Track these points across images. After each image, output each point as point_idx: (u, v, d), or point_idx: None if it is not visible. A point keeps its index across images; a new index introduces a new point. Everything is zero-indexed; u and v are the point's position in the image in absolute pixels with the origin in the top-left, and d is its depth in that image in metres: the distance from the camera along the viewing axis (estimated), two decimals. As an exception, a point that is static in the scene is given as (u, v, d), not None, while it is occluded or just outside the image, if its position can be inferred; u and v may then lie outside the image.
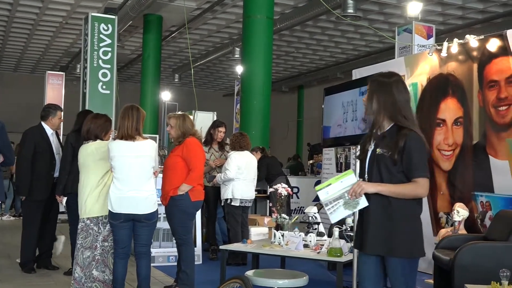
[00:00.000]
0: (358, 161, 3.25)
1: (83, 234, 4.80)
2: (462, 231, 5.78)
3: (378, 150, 3.08)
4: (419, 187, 2.99)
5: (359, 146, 3.32)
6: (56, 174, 6.22)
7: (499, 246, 4.77)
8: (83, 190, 4.83)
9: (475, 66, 6.17)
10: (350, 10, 11.62)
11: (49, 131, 6.36)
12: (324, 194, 3.03)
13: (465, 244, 4.83)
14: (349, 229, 5.39)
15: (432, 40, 9.48)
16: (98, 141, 4.95)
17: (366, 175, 3.13)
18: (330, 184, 3.03)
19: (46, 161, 6.24)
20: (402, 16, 13.29)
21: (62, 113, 6.49)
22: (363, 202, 3.02)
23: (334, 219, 3.06)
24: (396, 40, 9.78)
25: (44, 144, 6.27)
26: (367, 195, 3.03)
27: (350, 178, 3.03)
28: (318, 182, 11.38)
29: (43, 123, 6.37)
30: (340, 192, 3.01)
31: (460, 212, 5.80)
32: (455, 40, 6.44)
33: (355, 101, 3.91)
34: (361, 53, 18.92)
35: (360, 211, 3.12)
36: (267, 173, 8.98)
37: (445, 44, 6.50)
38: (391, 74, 3.21)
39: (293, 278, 4.23)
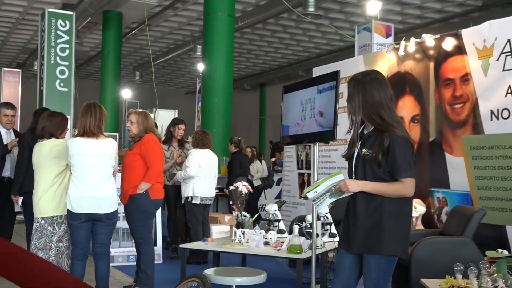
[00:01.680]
0: (345, 160, 3.26)
1: (38, 234, 4.68)
2: (419, 226, 5.89)
3: (363, 150, 3.08)
4: (404, 187, 3.00)
5: (347, 146, 3.29)
6: (6, 174, 6.08)
7: (454, 241, 4.86)
8: (38, 190, 4.71)
9: (432, 64, 6.28)
10: (311, 9, 11.69)
11: (2, 129, 6.22)
12: (312, 193, 3.14)
13: (421, 239, 4.91)
14: (308, 226, 5.41)
15: (391, 39, 9.61)
16: (53, 139, 4.82)
17: (353, 175, 3.16)
18: (318, 186, 3.12)
19: None
20: (362, 15, 13.45)
21: (10, 110, 6.28)
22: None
23: (320, 209, 3.34)
24: (356, 39, 9.87)
25: None
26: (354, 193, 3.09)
27: (338, 177, 3.10)
28: (280, 180, 11.41)
29: (-4, 122, 6.25)
30: (327, 188, 3.10)
31: (417, 208, 5.91)
32: (412, 39, 6.54)
33: (313, 99, 3.91)
34: (323, 51, 19.07)
35: (346, 210, 3.18)
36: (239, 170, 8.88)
37: (403, 42, 6.59)
38: (366, 73, 3.18)
39: (251, 276, 4.23)
